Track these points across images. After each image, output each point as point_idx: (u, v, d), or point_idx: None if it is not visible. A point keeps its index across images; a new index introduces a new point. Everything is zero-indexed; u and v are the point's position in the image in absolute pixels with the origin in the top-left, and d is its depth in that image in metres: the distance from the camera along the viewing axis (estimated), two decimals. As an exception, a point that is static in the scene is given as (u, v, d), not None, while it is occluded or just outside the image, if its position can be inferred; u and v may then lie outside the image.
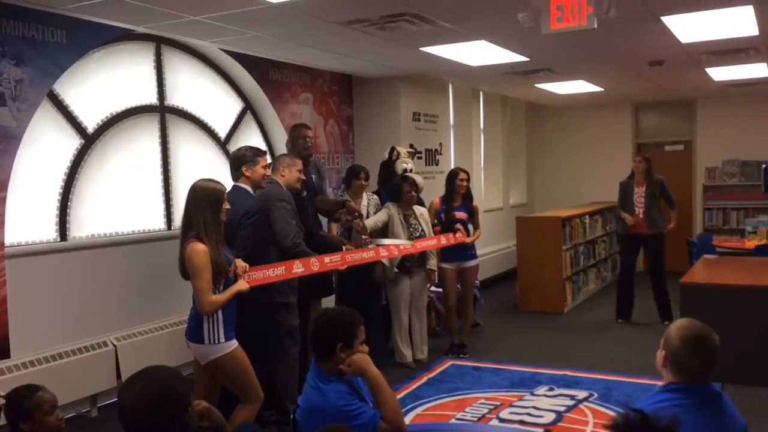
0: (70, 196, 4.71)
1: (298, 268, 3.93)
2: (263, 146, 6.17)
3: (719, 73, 7.71)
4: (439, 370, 5.47)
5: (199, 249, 3.18)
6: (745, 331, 4.77)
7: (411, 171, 6.05)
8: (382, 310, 5.75)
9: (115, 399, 4.65)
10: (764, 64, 7.25)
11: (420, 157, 7.42)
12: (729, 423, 1.96)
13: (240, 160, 4.01)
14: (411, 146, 6.93)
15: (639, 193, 6.81)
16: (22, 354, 4.13)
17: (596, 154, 10.60)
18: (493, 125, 9.66)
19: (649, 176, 6.81)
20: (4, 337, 4.05)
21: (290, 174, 4.21)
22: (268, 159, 4.37)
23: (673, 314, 6.47)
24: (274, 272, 3.80)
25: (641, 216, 6.72)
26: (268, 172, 4.12)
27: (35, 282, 4.30)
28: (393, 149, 6.12)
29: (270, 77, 6.17)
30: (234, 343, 3.37)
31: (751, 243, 7.37)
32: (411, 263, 5.55)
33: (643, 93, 9.56)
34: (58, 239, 4.62)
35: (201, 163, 5.68)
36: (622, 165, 10.50)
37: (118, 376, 4.57)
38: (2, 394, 2.60)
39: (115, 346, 4.61)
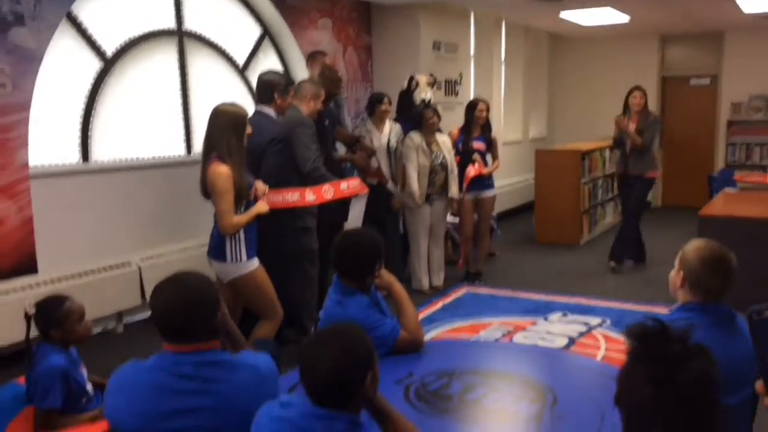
0: (91, 119, 4.75)
1: (310, 196, 3.94)
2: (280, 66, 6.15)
3: (750, 4, 7.45)
4: (455, 296, 5.57)
5: (222, 171, 3.22)
6: (762, 263, 4.78)
7: (430, 101, 6.00)
8: (401, 238, 5.82)
9: (140, 317, 4.84)
10: (799, -6, 6.99)
11: (439, 88, 7.33)
12: (742, 342, 2.00)
13: (272, 86, 4.03)
14: (431, 75, 6.84)
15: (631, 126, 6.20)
16: (48, 271, 4.26)
17: (619, 87, 10.31)
18: (514, 56, 9.47)
19: (645, 113, 6.23)
20: (32, 254, 4.17)
21: (314, 104, 4.21)
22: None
23: (622, 259, 6.40)
24: (291, 197, 3.86)
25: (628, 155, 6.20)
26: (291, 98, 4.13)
27: (59, 203, 4.39)
28: (412, 78, 6.06)
29: (288, 2, 6.07)
30: (255, 262, 3.45)
31: (771, 177, 7.29)
32: (432, 191, 5.58)
33: (671, 24, 9.28)
34: (81, 162, 4.68)
35: (219, 89, 5.67)
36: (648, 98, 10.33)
37: (143, 295, 4.71)
38: (32, 303, 2.70)
39: (138, 266, 4.74)
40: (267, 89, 4.05)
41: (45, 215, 4.26)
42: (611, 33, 9.79)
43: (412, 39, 7.08)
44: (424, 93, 6.00)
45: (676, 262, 2.15)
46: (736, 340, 1.96)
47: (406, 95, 6.02)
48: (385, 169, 5.46)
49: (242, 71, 5.95)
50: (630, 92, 6.34)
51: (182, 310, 1.76)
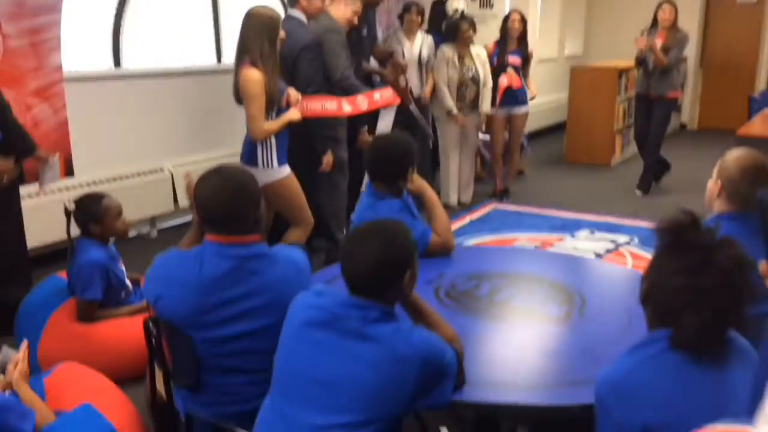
0: (122, 26, 4.72)
1: (346, 106, 3.90)
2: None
3: None
4: (482, 212, 5.59)
5: (254, 75, 3.20)
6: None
7: (463, 12, 5.83)
8: (430, 153, 5.79)
9: (173, 223, 4.95)
10: None
11: (474, 0, 7.11)
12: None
13: None
14: None
15: (657, 43, 5.76)
16: (84, 174, 4.34)
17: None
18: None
19: (674, 29, 5.79)
20: (68, 156, 4.24)
21: (345, 10, 4.10)
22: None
23: (650, 187, 6.23)
24: (330, 105, 3.81)
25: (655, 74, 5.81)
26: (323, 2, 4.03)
27: (93, 108, 4.43)
28: None
29: None
30: (287, 169, 3.48)
31: (818, 100, 7.03)
32: (462, 106, 5.50)
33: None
34: (113, 68, 4.69)
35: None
36: (690, 16, 9.90)
37: (175, 200, 4.80)
38: (71, 201, 2.78)
39: (171, 172, 4.80)
40: None
41: (79, 120, 4.30)
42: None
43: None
44: (457, 3, 5.82)
45: (714, 171, 2.12)
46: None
47: (439, 5, 5.86)
48: (416, 81, 5.37)
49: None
50: (659, 6, 5.88)
51: (227, 198, 1.79)
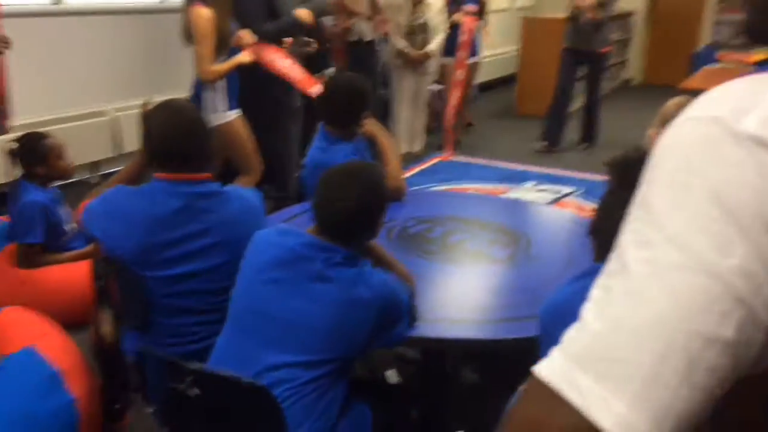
0: (60, -43, 4.49)
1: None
2: None
3: None
4: (431, 163, 5.63)
5: (205, 14, 3.11)
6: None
7: None
8: (383, 103, 5.77)
9: (116, 168, 4.83)
10: None
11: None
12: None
13: None
14: None
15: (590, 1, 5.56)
16: (23, 116, 4.17)
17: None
18: None
19: None
20: (3, 97, 4.06)
21: None
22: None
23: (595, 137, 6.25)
24: (278, 58, 3.69)
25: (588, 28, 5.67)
26: None
27: (32, 47, 4.23)
28: None
29: None
30: (234, 113, 3.42)
31: (754, 57, 7.25)
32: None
33: None
34: (53, 2, 4.47)
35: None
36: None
37: (117, 145, 4.68)
38: (12, 141, 2.68)
39: (114, 116, 4.66)
40: None
41: (17, 59, 4.10)
42: None
43: None
44: None
45: (656, 120, 2.19)
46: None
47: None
48: (365, 24, 5.27)
49: None
50: None
51: (178, 133, 1.76)
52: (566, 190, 4.89)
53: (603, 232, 1.46)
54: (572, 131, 6.84)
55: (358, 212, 1.55)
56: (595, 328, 0.53)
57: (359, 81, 2.52)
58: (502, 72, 9.06)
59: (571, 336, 0.54)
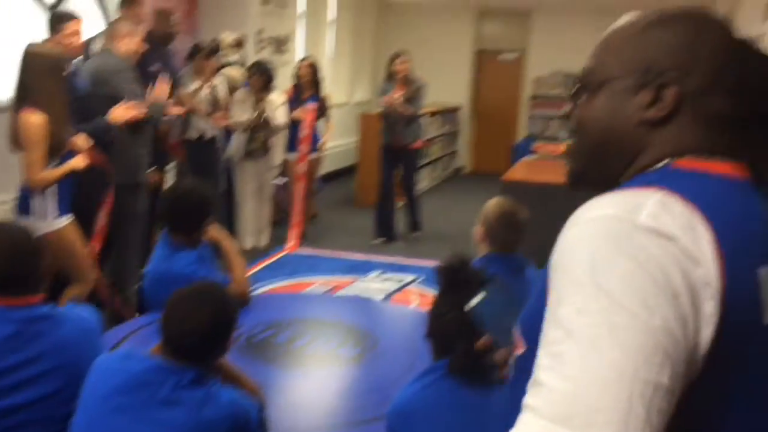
0: None
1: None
2: (95, 7, 5.70)
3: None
4: (278, 257, 5.65)
5: (35, 120, 3.00)
6: (552, 222, 5.37)
7: (233, 64, 5.82)
8: (223, 197, 5.75)
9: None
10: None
11: (263, 47, 7.27)
12: (529, 285, 2.32)
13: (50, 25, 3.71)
14: (236, 37, 6.27)
15: (398, 99, 5.78)
16: None
17: (439, 57, 10.90)
18: (344, 18, 9.60)
19: (410, 80, 5.88)
20: None
21: (130, 43, 3.96)
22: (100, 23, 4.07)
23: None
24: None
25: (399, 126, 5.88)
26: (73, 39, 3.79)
27: None
28: (214, 41, 5.93)
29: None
30: (65, 220, 3.27)
31: (562, 147, 8.13)
32: (255, 148, 5.55)
33: (486, 1, 9.91)
34: None
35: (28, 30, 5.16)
36: (463, 69, 10.98)
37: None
38: None
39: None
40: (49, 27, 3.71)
41: None
42: (435, 4, 10.25)
43: (239, -9, 6.92)
44: (226, 56, 5.79)
45: (480, 217, 2.42)
46: (522, 283, 2.28)
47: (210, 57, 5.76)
48: (206, 121, 5.29)
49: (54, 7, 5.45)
50: (393, 58, 5.92)
51: (5, 257, 1.68)
52: (409, 278, 5.11)
53: (438, 334, 1.58)
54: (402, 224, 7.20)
55: (209, 333, 1.56)
56: (563, 389, 0.62)
57: (202, 188, 2.55)
58: (345, 162, 9.39)
59: (538, 402, 0.63)
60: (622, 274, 0.65)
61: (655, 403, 0.61)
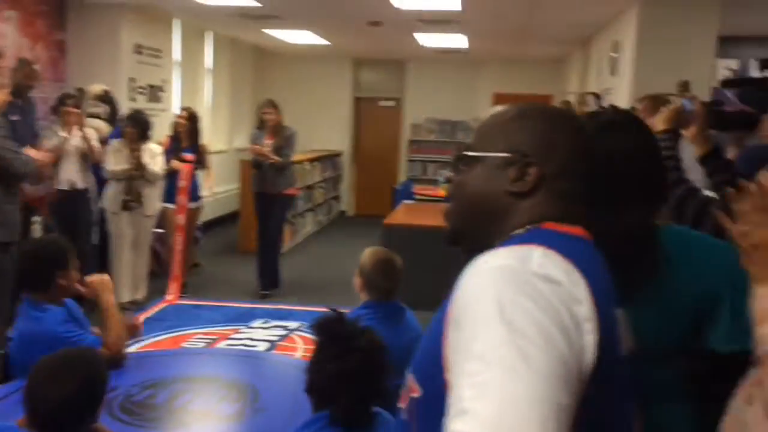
0: None
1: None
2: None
3: (426, 40, 8.61)
4: (156, 309, 5.48)
5: None
6: (432, 264, 5.56)
7: (98, 116, 5.68)
8: (94, 249, 5.53)
9: None
10: (464, 36, 8.27)
11: (142, 93, 7.13)
12: (407, 330, 2.42)
13: None
14: (103, 89, 5.92)
15: (267, 147, 5.78)
16: None
17: (318, 104, 11.12)
18: (221, 67, 9.58)
19: (280, 128, 5.87)
20: None
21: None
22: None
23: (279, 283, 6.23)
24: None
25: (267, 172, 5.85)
26: None
27: None
28: (81, 90, 5.79)
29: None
30: None
31: (441, 191, 8.48)
32: (131, 198, 5.39)
33: (364, 50, 10.25)
34: None
35: None
36: (343, 116, 11.23)
37: None
38: None
39: None
40: None
41: None
42: (313, 52, 10.45)
43: (111, 39, 6.77)
44: (91, 107, 5.65)
45: (358, 269, 2.51)
46: (401, 330, 2.38)
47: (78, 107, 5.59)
48: (75, 173, 5.10)
49: None
50: (261, 107, 5.96)
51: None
52: (294, 324, 5.10)
53: (315, 389, 1.62)
54: (299, 263, 7.21)
55: (76, 403, 1.52)
56: (490, 413, 0.71)
57: (52, 242, 2.47)
58: (227, 209, 9.27)
59: (467, 428, 0.71)
60: (525, 312, 0.77)
61: (563, 420, 0.73)
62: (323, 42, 9.15)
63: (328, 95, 11.15)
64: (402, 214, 6.53)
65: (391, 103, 11.37)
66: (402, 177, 11.07)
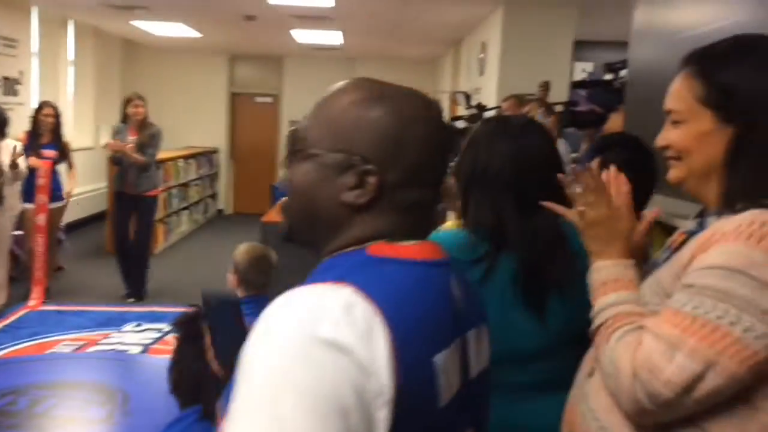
0: None
1: None
2: None
3: (303, 36, 8.59)
4: (16, 316, 5.13)
5: None
6: (313, 262, 5.58)
7: None
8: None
9: None
10: (339, 33, 8.33)
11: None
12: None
13: None
14: None
15: (130, 144, 5.44)
16: None
17: (193, 99, 10.81)
18: (84, 59, 9.07)
19: (145, 124, 5.59)
20: None
21: None
22: None
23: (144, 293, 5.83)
24: None
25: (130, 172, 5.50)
26: None
27: None
28: None
29: None
30: None
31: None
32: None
33: (239, 45, 10.07)
34: None
35: None
36: (218, 112, 10.99)
37: None
38: None
39: None
40: None
41: None
42: (185, 45, 10.14)
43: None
44: None
45: (232, 266, 2.49)
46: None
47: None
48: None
49: None
50: (128, 100, 5.60)
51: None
52: (168, 327, 4.94)
53: (182, 387, 1.61)
54: (174, 265, 6.98)
55: None
56: None
57: None
58: (94, 209, 8.81)
59: None
60: (297, 391, 0.67)
61: None
62: (196, 35, 8.90)
63: (203, 90, 10.87)
64: (279, 213, 6.47)
65: (268, 99, 11.25)
66: (281, 174, 10.98)
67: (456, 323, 0.85)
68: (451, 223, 2.16)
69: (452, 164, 1.44)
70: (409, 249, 0.83)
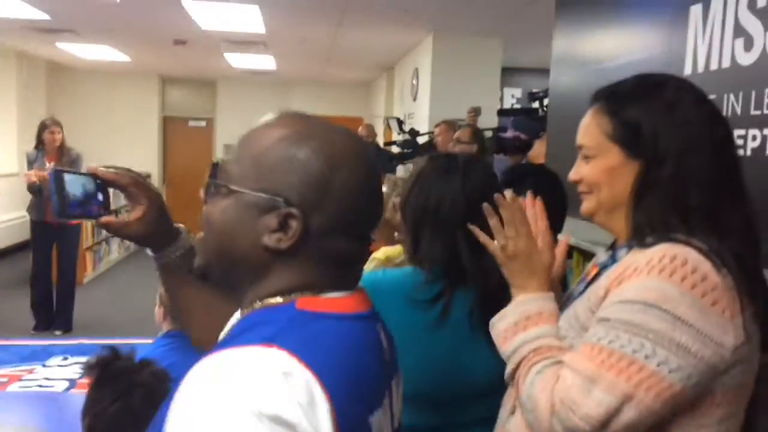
0: None
1: None
2: None
3: (236, 60, 8.55)
4: (-68, 353, 4.86)
5: None
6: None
7: None
8: None
9: None
10: (272, 58, 8.33)
11: None
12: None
13: None
14: None
15: (48, 170, 4.74)
16: None
17: (123, 123, 10.57)
18: (6, 82, 8.76)
19: (64, 150, 5.36)
20: None
21: None
22: None
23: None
24: None
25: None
26: None
27: None
28: None
29: None
30: None
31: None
32: None
33: (171, 68, 9.93)
34: None
35: None
36: (150, 136, 10.78)
37: None
38: None
39: None
40: None
41: None
42: (114, 68, 9.93)
43: None
44: None
45: (157, 298, 2.43)
46: (197, 357, 2.36)
47: None
48: None
49: None
50: (43, 126, 5.37)
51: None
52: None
53: (101, 429, 1.56)
54: (101, 295, 6.76)
55: None
56: None
57: None
58: (18, 238, 8.46)
59: None
60: None
61: None
62: (124, 58, 8.73)
63: (133, 114, 10.65)
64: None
65: (202, 123, 11.10)
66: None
67: (385, 376, 0.82)
68: (385, 251, 2.18)
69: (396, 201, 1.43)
70: (338, 302, 0.78)
